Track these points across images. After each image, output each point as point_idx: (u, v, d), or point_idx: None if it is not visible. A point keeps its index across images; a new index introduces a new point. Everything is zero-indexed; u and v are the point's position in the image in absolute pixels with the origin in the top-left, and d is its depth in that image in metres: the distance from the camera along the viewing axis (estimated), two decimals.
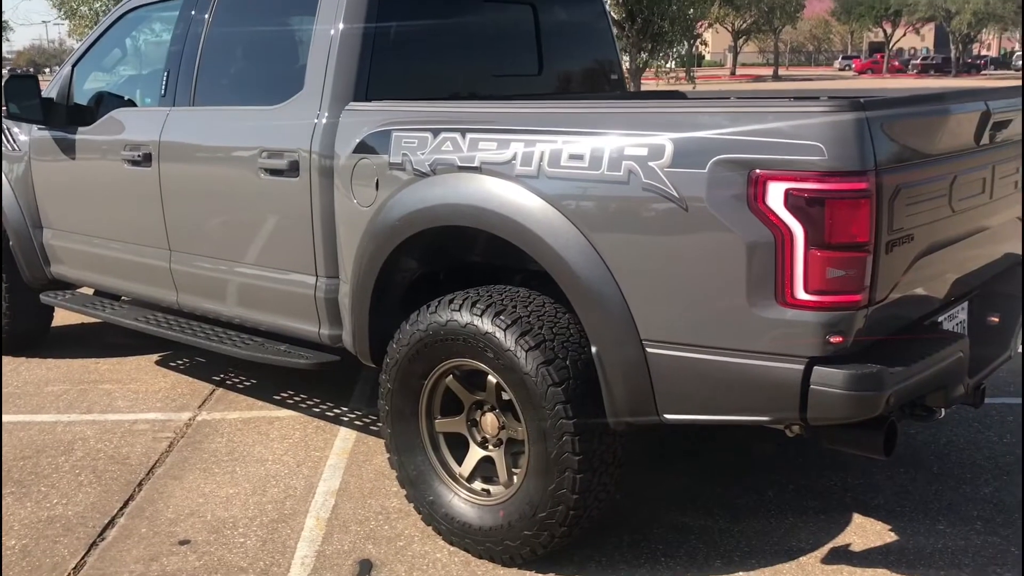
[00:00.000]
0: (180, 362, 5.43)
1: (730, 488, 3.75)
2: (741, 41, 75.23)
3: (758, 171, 2.55)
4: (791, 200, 2.51)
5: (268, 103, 3.92)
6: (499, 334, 3.01)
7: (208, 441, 4.32)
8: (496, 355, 3.03)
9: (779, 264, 2.55)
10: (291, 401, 4.79)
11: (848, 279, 2.51)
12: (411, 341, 3.26)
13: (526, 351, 2.97)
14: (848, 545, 3.34)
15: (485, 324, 3.05)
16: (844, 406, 2.56)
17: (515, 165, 2.99)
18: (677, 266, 2.73)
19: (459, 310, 3.12)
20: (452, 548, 3.32)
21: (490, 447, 3.29)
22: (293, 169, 3.70)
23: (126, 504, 3.72)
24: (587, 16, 4.80)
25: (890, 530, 3.44)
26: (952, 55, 72.56)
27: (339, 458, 4.12)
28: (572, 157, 2.87)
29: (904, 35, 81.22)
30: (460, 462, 3.35)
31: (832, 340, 2.54)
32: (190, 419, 4.59)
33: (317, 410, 4.68)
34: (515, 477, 3.18)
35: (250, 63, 4.31)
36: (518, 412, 3.08)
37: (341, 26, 3.66)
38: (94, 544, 3.42)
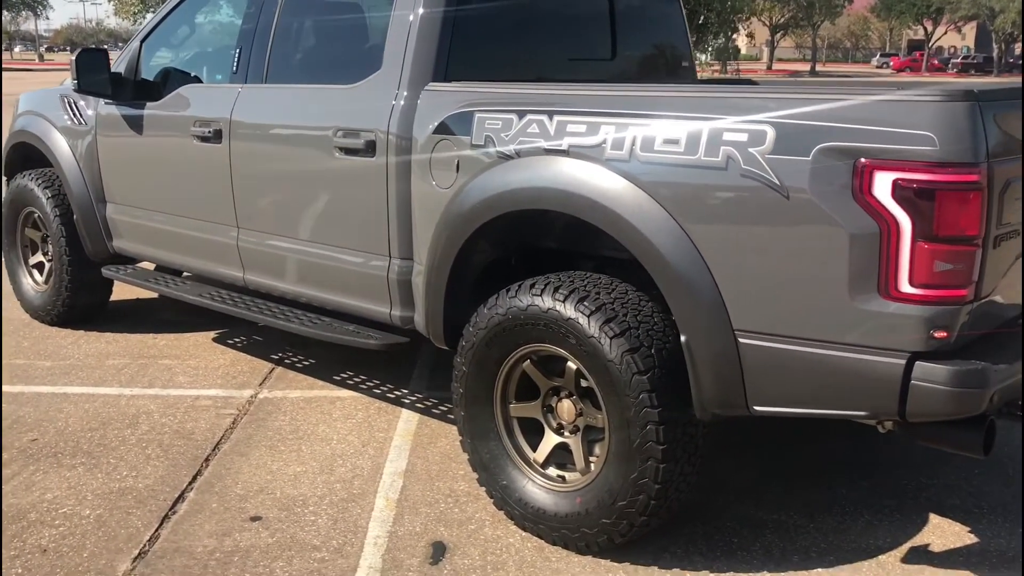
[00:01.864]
0: (238, 340, 5.44)
1: (801, 483, 3.70)
2: (778, 36, 74.54)
3: (865, 160, 2.49)
4: (899, 191, 2.45)
5: (344, 82, 3.90)
6: (582, 320, 2.98)
7: (271, 419, 4.32)
8: (579, 341, 3.00)
9: (883, 256, 2.50)
10: (351, 382, 4.78)
11: (956, 273, 2.45)
12: (489, 325, 3.23)
13: (611, 338, 2.93)
14: (927, 545, 3.28)
15: (568, 310, 3.01)
16: (946, 403, 2.51)
17: (605, 149, 2.95)
18: (775, 255, 2.68)
19: (540, 295, 3.09)
20: (524, 533, 3.30)
21: (566, 433, 3.26)
22: (369, 149, 3.68)
23: (194, 479, 3.73)
24: (660, 1, 4.75)
25: (969, 531, 3.38)
26: (995, 55, 71.49)
27: (403, 439, 4.10)
28: (667, 141, 2.83)
29: (945, 33, 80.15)
30: (534, 448, 3.32)
31: (936, 335, 2.49)
32: (252, 396, 4.60)
33: (378, 391, 4.67)
34: (593, 465, 3.15)
35: (325, 42, 4.29)
36: (598, 399, 3.05)
37: (421, 7, 3.63)
38: (166, 517, 3.43)
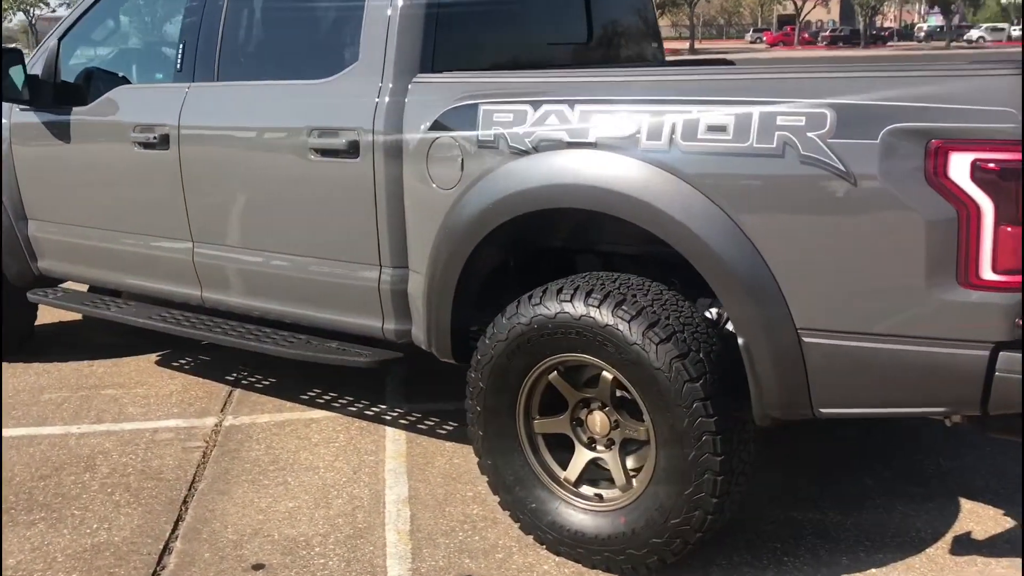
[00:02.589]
0: (184, 362, 5.01)
1: (826, 478, 3.56)
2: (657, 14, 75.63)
3: (938, 141, 2.33)
4: (979, 172, 2.29)
5: (313, 77, 3.55)
6: (622, 326, 2.75)
7: (245, 449, 3.95)
8: (618, 350, 2.76)
9: (963, 242, 2.34)
10: (322, 401, 4.44)
11: None
12: (511, 336, 2.96)
13: (656, 344, 2.70)
14: (969, 533, 3.19)
15: (605, 316, 2.77)
16: None
17: (640, 139, 2.71)
18: (841, 247, 2.49)
19: (571, 301, 2.84)
20: (559, 559, 3.06)
21: (599, 448, 3.03)
22: (352, 150, 3.35)
23: (176, 526, 3.35)
24: None
25: (1004, 515, 3.30)
26: (860, 27, 74.28)
27: (397, 462, 3.80)
28: (711, 128, 2.61)
29: (814, 7, 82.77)
30: (564, 466, 3.08)
31: (1020, 323, 2.35)
32: (216, 425, 4.21)
33: (353, 409, 4.34)
34: (635, 481, 2.93)
35: (284, 33, 3.89)
36: (641, 410, 2.82)
37: None
38: (154, 574, 3.05)
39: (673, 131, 2.66)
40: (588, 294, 2.83)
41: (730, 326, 2.84)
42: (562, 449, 3.10)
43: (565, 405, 3.06)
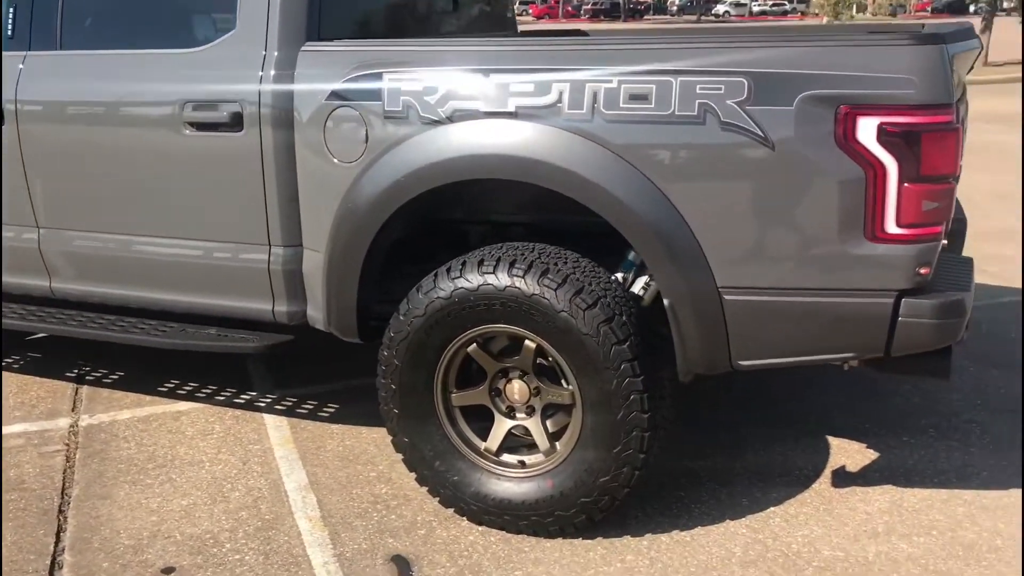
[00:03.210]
0: (9, 361, 4.56)
1: (703, 426, 3.77)
2: None
3: (847, 107, 2.51)
4: (884, 135, 2.50)
5: (182, 45, 3.32)
6: (548, 295, 2.78)
7: (113, 449, 3.67)
8: (545, 318, 2.80)
9: (869, 200, 2.55)
10: (184, 392, 4.19)
11: (937, 211, 2.56)
12: (429, 311, 2.93)
13: (583, 310, 2.76)
14: (844, 467, 3.49)
15: (531, 285, 2.80)
16: (931, 335, 2.63)
17: (562, 108, 2.74)
18: (760, 209, 2.64)
19: (493, 272, 2.84)
20: (481, 528, 3.07)
21: (519, 416, 3.06)
22: (235, 123, 3.16)
23: (58, 537, 3.08)
24: None
25: (866, 448, 3.63)
26: (620, 1, 77.50)
27: (286, 449, 3.66)
28: (633, 97, 2.67)
29: None
30: (482, 437, 3.09)
31: (922, 272, 2.59)
32: (72, 426, 3.88)
33: (222, 398, 4.13)
34: (558, 444, 2.98)
35: None
36: (566, 375, 2.88)
37: None
38: None
39: (595, 100, 2.70)
40: (512, 264, 2.84)
41: (635, 288, 2.95)
42: (477, 420, 3.11)
43: (482, 377, 3.06)
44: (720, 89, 2.59)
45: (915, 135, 2.49)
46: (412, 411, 3.06)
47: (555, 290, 2.78)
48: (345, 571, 2.88)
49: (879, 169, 2.52)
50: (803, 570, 2.85)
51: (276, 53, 3.13)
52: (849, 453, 3.59)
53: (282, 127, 3.12)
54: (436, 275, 2.94)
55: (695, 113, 2.61)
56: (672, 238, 2.69)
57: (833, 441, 3.68)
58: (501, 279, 2.83)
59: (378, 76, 2.96)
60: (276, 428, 3.84)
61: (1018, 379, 4.15)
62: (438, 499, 3.15)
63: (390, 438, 3.16)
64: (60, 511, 3.23)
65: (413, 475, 3.16)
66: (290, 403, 4.07)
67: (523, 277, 2.81)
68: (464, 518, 3.11)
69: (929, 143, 2.50)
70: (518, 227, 3.35)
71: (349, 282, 3.12)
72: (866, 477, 3.41)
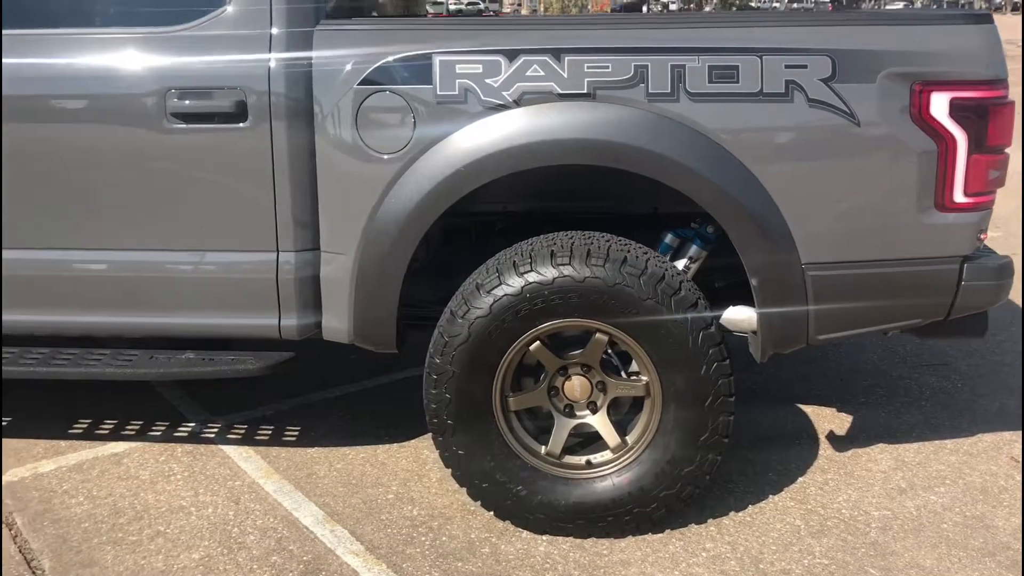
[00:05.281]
0: None
1: None
2: None
3: (920, 83, 2.62)
4: (956, 110, 2.64)
5: (157, 24, 2.83)
6: (632, 283, 2.67)
7: (62, 508, 3.07)
8: (627, 308, 2.68)
9: (940, 172, 2.68)
10: (104, 431, 3.60)
11: (998, 179, 2.74)
12: (495, 309, 2.71)
13: (670, 296, 2.68)
14: (832, 431, 3.64)
15: (612, 275, 2.67)
16: (990, 296, 2.81)
17: (644, 89, 2.63)
18: (844, 185, 2.69)
19: (569, 263, 2.68)
20: (546, 537, 2.90)
21: (581, 414, 2.91)
22: (238, 113, 2.75)
23: None
24: None
25: (838, 411, 3.83)
26: None
27: (274, 481, 3.25)
28: (719, 76, 2.62)
29: None
30: (540, 440, 2.91)
31: (981, 237, 2.77)
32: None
33: (156, 433, 3.59)
34: (628, 439, 2.88)
35: None
36: (644, 366, 2.78)
37: None
38: None
39: (680, 78, 2.62)
40: (587, 255, 2.69)
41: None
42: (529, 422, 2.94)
43: (535, 377, 2.89)
44: (805, 66, 2.61)
45: (984, 108, 2.65)
46: (469, 421, 2.82)
47: (638, 278, 2.68)
48: None
49: (950, 142, 2.65)
50: (867, 533, 2.95)
51: (285, 31, 2.75)
52: (827, 418, 3.76)
53: (298, 116, 2.76)
54: (499, 272, 2.73)
55: (783, 90, 2.61)
56: (762, 217, 2.67)
57: (806, 408, 3.85)
58: (580, 270, 2.67)
59: (427, 58, 2.68)
60: (245, 459, 3.40)
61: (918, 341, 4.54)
62: (492, 512, 2.93)
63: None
64: None
65: (463, 489, 2.93)
66: (241, 431, 3.61)
67: (603, 266, 2.68)
68: (521, 529, 2.92)
69: (994, 116, 2.67)
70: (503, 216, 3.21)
71: (389, 287, 2.82)
72: (858, 439, 3.59)
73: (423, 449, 3.46)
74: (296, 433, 3.60)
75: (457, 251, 3.17)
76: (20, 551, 2.83)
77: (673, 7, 78.07)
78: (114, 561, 2.78)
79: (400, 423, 3.63)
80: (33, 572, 2.73)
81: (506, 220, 3.30)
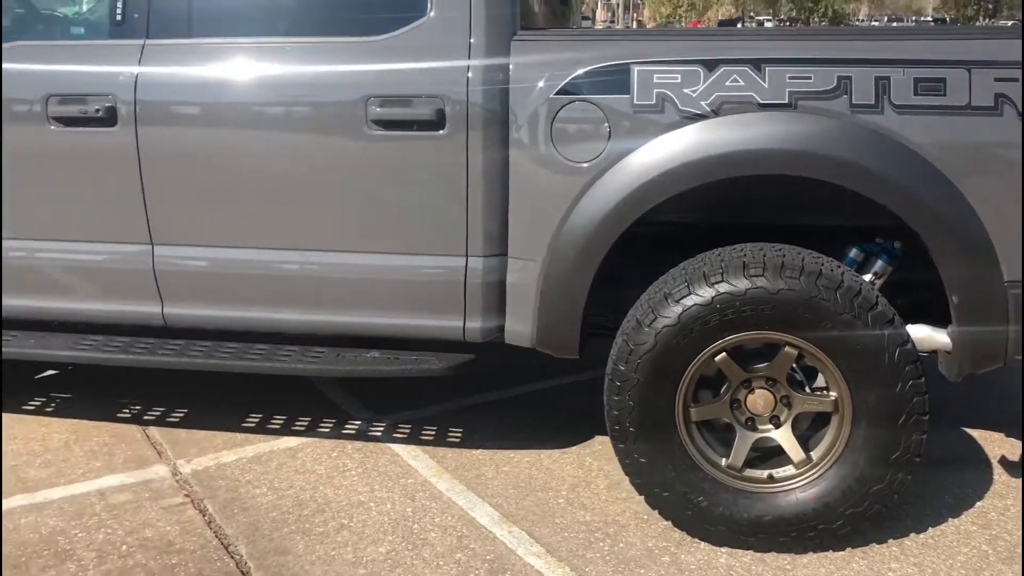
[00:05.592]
0: (35, 404, 3.92)
1: None
2: None
3: None
4: None
5: (357, 33, 2.94)
6: (828, 296, 2.65)
7: (247, 496, 3.19)
8: (820, 321, 2.66)
9: None
10: (275, 425, 3.74)
11: None
12: (684, 319, 2.72)
13: (867, 312, 2.65)
14: (982, 451, 3.54)
15: (807, 287, 2.65)
16: None
17: (848, 100, 2.61)
18: None
19: (762, 275, 2.68)
20: (725, 549, 2.89)
21: (763, 428, 2.89)
22: (438, 121, 2.83)
23: None
24: None
25: (1005, 437, 3.71)
26: None
27: (444, 480, 3.31)
28: (926, 88, 2.59)
29: None
30: (720, 452, 2.91)
31: None
32: (175, 474, 3.35)
33: (324, 430, 3.71)
34: (814, 454, 2.85)
35: None
36: (834, 381, 2.75)
37: None
38: None
39: (884, 90, 2.60)
40: (781, 267, 2.68)
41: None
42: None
43: (713, 389, 2.89)
44: (1016, 80, 2.55)
45: None
46: (652, 430, 2.84)
47: (834, 291, 2.65)
48: None
49: None
50: None
51: (484, 41, 2.83)
52: (996, 442, 3.65)
53: (493, 125, 2.83)
54: (688, 281, 2.74)
55: (992, 104, 2.56)
56: (967, 233, 2.62)
57: (972, 432, 3.74)
58: (774, 282, 2.67)
59: (624, 68, 2.72)
60: (414, 458, 3.48)
61: None
62: (671, 521, 2.93)
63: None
64: (243, 573, 2.76)
65: (634, 498, 2.95)
66: (406, 430, 3.70)
67: (798, 279, 2.66)
68: (698, 540, 2.91)
69: None
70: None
71: (576, 293, 2.86)
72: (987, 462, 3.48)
73: (585, 456, 3.49)
74: (459, 434, 3.67)
75: (627, 260, 3.18)
76: (216, 536, 2.95)
77: (769, 24, 77.12)
78: (306, 550, 2.87)
79: (561, 430, 3.67)
80: (232, 556, 2.85)
81: (678, 231, 3.30)
